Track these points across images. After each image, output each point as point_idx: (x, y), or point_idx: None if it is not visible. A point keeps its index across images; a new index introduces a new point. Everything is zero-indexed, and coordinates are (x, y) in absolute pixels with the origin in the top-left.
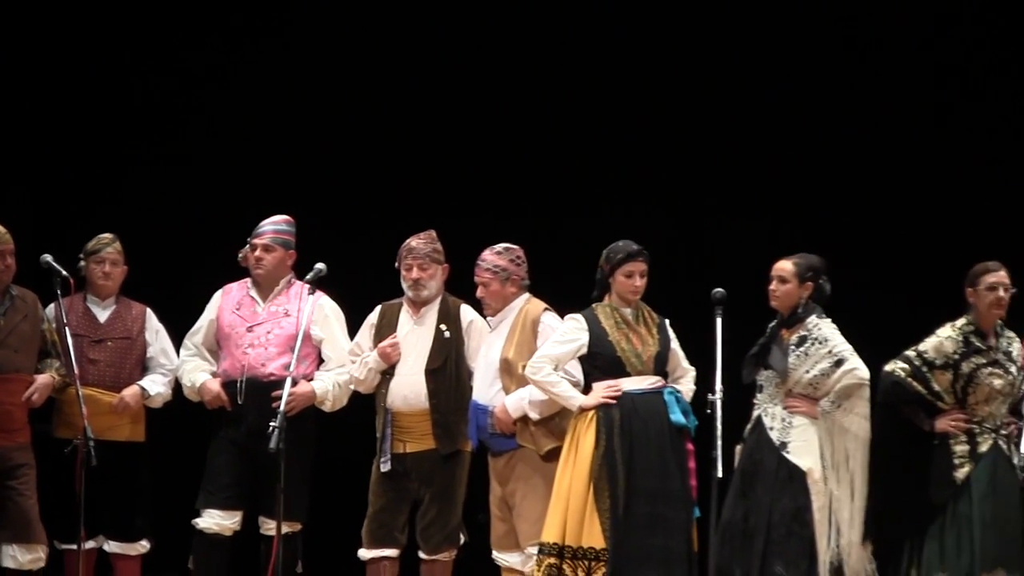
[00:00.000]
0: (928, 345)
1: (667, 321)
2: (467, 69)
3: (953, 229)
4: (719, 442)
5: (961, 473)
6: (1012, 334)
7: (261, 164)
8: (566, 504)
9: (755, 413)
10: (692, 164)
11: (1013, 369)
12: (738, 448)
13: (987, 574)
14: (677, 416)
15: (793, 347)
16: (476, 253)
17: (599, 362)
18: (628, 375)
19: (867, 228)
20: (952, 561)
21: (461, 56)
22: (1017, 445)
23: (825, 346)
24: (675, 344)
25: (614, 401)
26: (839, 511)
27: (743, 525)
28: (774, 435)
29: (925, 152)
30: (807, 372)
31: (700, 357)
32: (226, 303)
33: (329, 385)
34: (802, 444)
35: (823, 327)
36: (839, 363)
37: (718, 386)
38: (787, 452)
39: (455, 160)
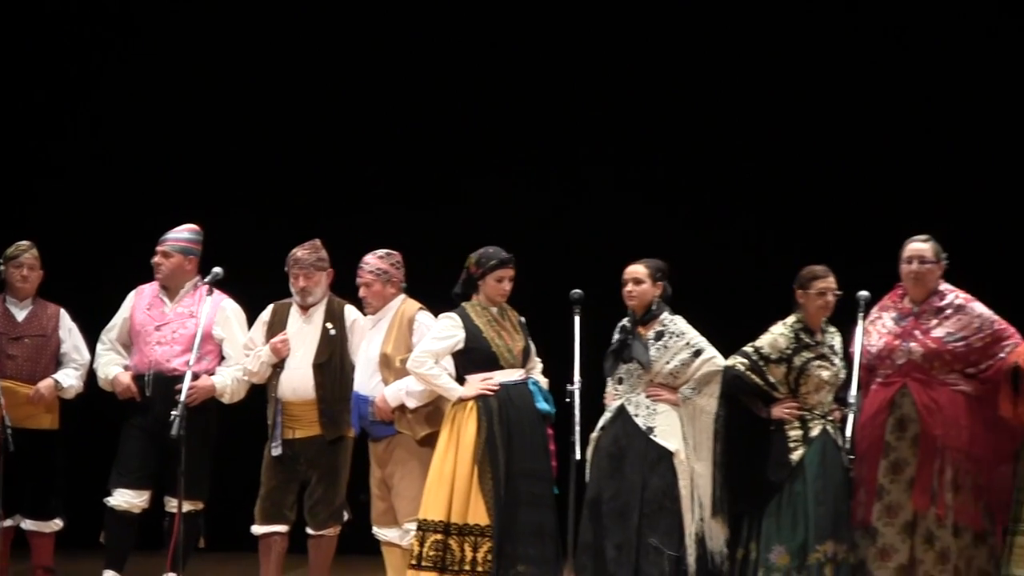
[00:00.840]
0: (764, 341)
1: (523, 319)
2: (344, 74)
3: (784, 235)
4: (578, 427)
5: (796, 455)
6: (834, 329)
7: (168, 170)
8: (451, 485)
9: (615, 403)
10: (555, 175)
11: (837, 361)
12: (593, 436)
13: (820, 545)
14: (543, 404)
15: (652, 341)
16: (361, 252)
17: (475, 357)
18: (501, 368)
19: (705, 236)
20: (788, 534)
21: (339, 61)
22: (842, 430)
23: (683, 339)
24: (529, 340)
25: (492, 392)
26: (702, 487)
27: (615, 503)
28: (640, 421)
29: (757, 161)
30: (668, 363)
31: (557, 351)
32: (139, 303)
33: (228, 380)
34: (667, 428)
35: (677, 322)
36: (697, 353)
37: (577, 378)
38: (654, 436)
39: (345, 165)
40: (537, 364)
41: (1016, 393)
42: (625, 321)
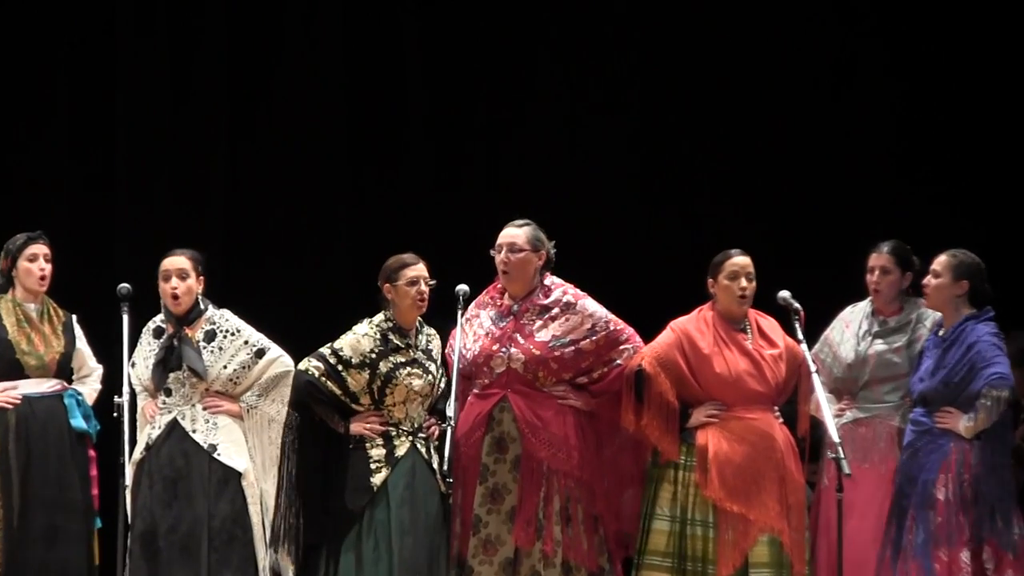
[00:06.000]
0: (344, 342)
1: (75, 317)
2: None
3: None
4: (127, 447)
5: (378, 478)
6: (432, 331)
7: None
8: None
9: (164, 418)
10: (96, 159)
11: (433, 368)
12: (136, 456)
13: None
14: (78, 422)
15: (203, 343)
16: None
17: None
18: (27, 377)
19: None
20: (370, 570)
21: None
22: (440, 448)
23: (239, 337)
24: (82, 342)
25: (11, 405)
26: (271, 509)
27: (175, 536)
28: (199, 438)
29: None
30: (225, 367)
31: (104, 356)
32: None
33: None
34: (231, 445)
35: (229, 317)
36: (260, 353)
37: (125, 388)
38: (218, 455)
39: None
40: (94, 371)
41: (640, 403)
42: (159, 322)
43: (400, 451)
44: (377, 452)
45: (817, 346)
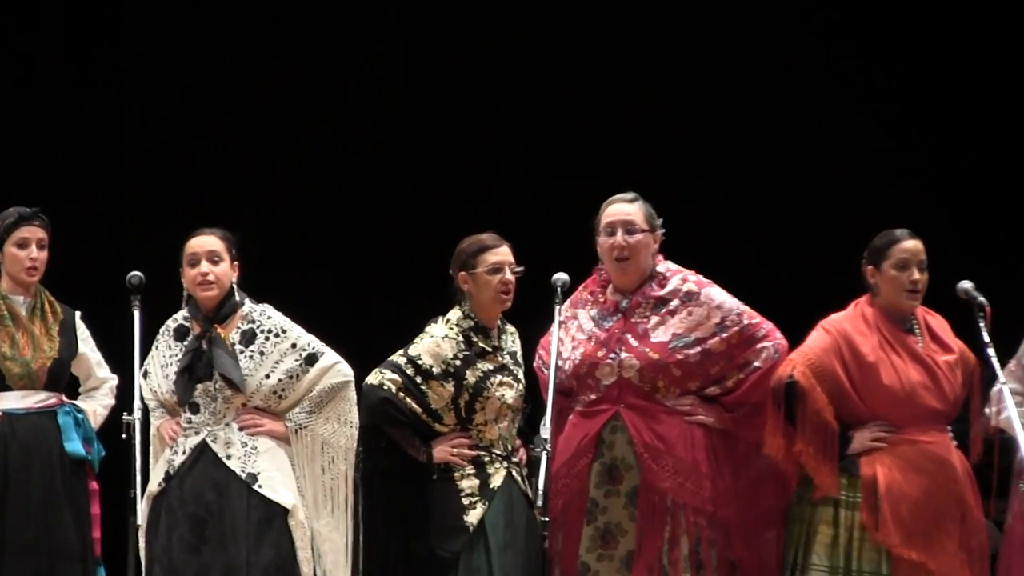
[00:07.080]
0: (421, 348)
1: (79, 314)
2: None
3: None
4: (139, 477)
5: (473, 516)
6: (513, 329)
7: None
8: None
9: (190, 440)
10: (102, 144)
11: (521, 375)
12: (154, 488)
13: None
14: (74, 445)
15: (240, 347)
16: None
17: None
18: (8, 389)
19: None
20: None
21: None
22: (531, 479)
23: (285, 339)
24: (87, 346)
25: None
26: (326, 555)
27: None
28: (235, 466)
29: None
30: (267, 377)
31: (109, 362)
32: None
33: None
34: (276, 474)
35: (271, 315)
36: (312, 359)
37: (137, 402)
38: (259, 487)
39: None
40: (104, 383)
41: (790, 423)
42: (181, 320)
43: (495, 481)
44: (469, 483)
45: (1022, 349)
